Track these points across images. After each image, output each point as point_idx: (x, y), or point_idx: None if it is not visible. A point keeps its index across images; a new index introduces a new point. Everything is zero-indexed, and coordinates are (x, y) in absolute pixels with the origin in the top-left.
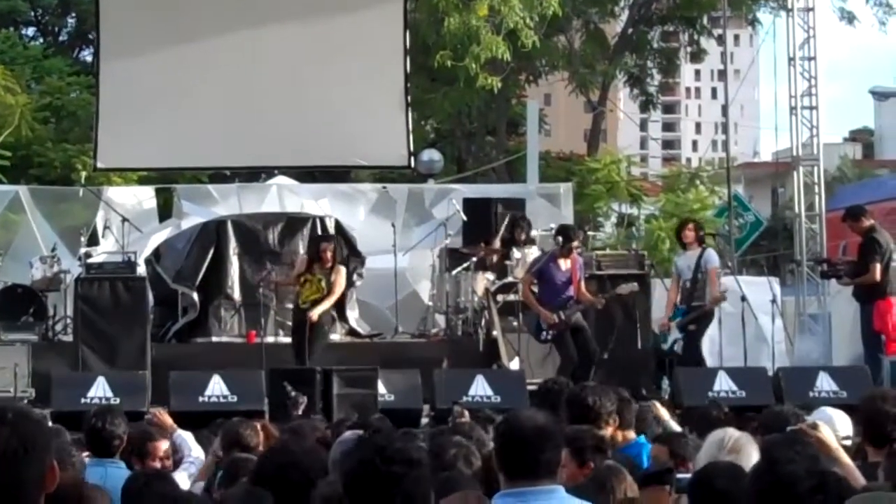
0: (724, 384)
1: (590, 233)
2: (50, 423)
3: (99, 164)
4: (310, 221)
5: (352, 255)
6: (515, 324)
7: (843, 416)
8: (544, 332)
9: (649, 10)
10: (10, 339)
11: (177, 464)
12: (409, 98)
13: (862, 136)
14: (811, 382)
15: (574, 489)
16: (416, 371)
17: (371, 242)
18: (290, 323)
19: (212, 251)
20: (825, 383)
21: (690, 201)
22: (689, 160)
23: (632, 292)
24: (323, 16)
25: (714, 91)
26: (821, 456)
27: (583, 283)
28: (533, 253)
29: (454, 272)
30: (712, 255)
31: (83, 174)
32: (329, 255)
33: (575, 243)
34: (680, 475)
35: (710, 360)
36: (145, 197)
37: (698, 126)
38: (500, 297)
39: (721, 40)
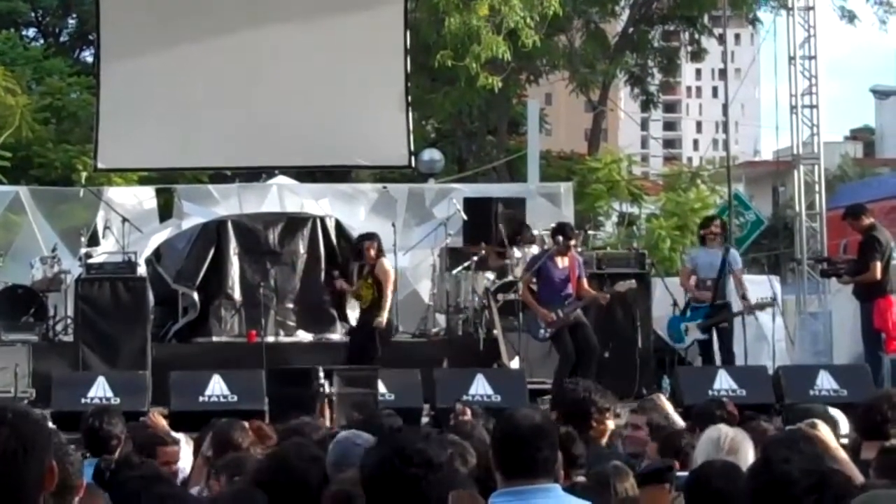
0: (724, 383)
1: (590, 232)
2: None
3: (99, 165)
4: (310, 221)
5: (352, 255)
6: (516, 323)
7: (840, 415)
8: (542, 331)
9: (650, 9)
10: (10, 339)
11: None
12: (409, 98)
13: (863, 135)
14: (811, 381)
15: (571, 488)
16: (416, 370)
17: None
18: (290, 323)
19: (212, 251)
20: (825, 382)
21: (691, 200)
22: (689, 159)
23: (629, 289)
24: (323, 16)
25: (715, 90)
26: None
27: (584, 281)
28: (533, 252)
29: (454, 272)
30: (737, 256)
31: (84, 174)
32: (372, 252)
33: (572, 241)
34: (680, 473)
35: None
36: (146, 197)
37: (699, 125)
38: (500, 297)
39: (722, 39)
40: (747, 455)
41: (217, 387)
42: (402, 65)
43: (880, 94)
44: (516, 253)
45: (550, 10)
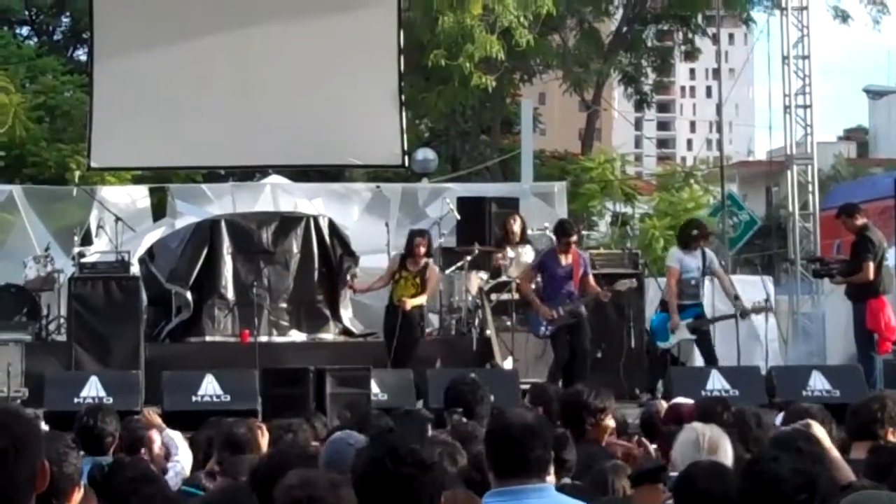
0: (716, 383)
1: (584, 232)
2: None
3: (93, 164)
4: (303, 221)
5: (345, 255)
6: (509, 323)
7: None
8: (542, 328)
9: (643, 8)
10: (3, 338)
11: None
12: (402, 97)
13: (856, 135)
14: (804, 381)
15: (563, 488)
16: (409, 370)
17: (365, 242)
18: (283, 322)
19: (205, 250)
20: (818, 382)
21: (685, 200)
22: (683, 159)
23: (630, 289)
24: (317, 15)
25: (708, 90)
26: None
27: (590, 278)
28: (527, 252)
29: (448, 271)
30: (713, 255)
31: (77, 173)
32: (423, 249)
33: (572, 238)
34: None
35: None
36: (139, 196)
37: (693, 125)
38: (493, 297)
39: (715, 39)
40: (727, 452)
41: (210, 386)
42: (395, 64)
43: (874, 94)
44: (510, 252)
45: (544, 10)
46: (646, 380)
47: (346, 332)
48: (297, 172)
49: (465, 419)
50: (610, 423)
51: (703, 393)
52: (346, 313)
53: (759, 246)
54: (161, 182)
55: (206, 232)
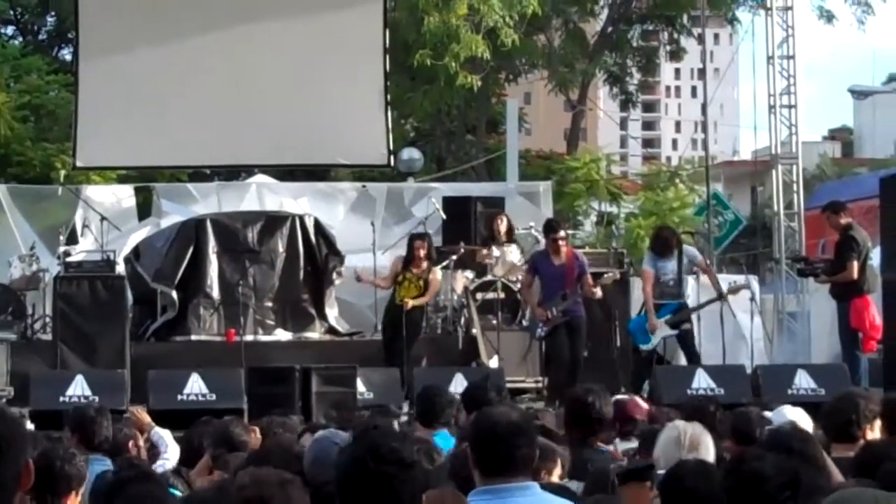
0: (702, 382)
1: (570, 231)
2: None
3: (78, 163)
4: (289, 220)
5: (331, 254)
6: (494, 322)
7: (803, 414)
8: (539, 329)
9: (629, 8)
10: None
11: (152, 460)
12: (388, 97)
13: (841, 135)
14: (789, 380)
15: (549, 486)
16: (395, 369)
17: (350, 241)
18: (269, 321)
19: (191, 250)
20: (803, 381)
21: (670, 200)
22: (668, 159)
23: (614, 280)
24: (302, 15)
25: (694, 90)
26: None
27: (588, 278)
28: (512, 251)
29: None
30: (694, 251)
31: (62, 173)
32: (423, 252)
33: (558, 235)
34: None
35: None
36: (124, 195)
37: (678, 125)
38: (479, 296)
39: (700, 39)
40: (708, 449)
41: (196, 385)
42: (381, 64)
43: (858, 94)
44: (495, 251)
45: (529, 10)
46: (631, 379)
47: (331, 330)
48: (283, 172)
49: None
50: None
51: (688, 392)
52: (332, 312)
53: (744, 245)
54: (146, 181)
55: (192, 231)
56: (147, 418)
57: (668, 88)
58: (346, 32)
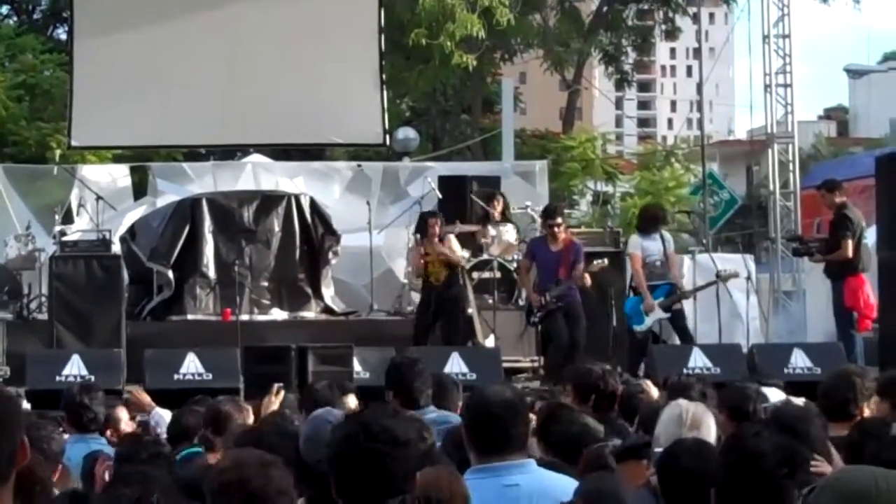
0: (698, 361)
1: (565, 211)
2: (25, 403)
3: (73, 143)
4: (285, 199)
5: (327, 233)
6: (490, 301)
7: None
8: (533, 315)
9: None
10: None
11: None
12: (383, 76)
13: (837, 114)
14: (785, 359)
15: (546, 462)
16: (391, 349)
17: (346, 220)
18: (265, 301)
19: (187, 229)
20: (799, 360)
21: (665, 179)
22: (664, 138)
23: (602, 269)
24: None
25: (689, 69)
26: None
27: (580, 266)
28: (508, 230)
29: None
30: (670, 237)
31: (58, 152)
32: (437, 230)
33: (558, 220)
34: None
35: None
36: (120, 175)
37: (673, 104)
38: (475, 275)
39: (696, 18)
40: (710, 429)
41: (192, 365)
42: (376, 43)
43: (854, 73)
44: (491, 231)
45: None
46: (627, 360)
47: (327, 310)
48: (278, 151)
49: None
50: None
51: (684, 371)
52: (328, 292)
53: (739, 225)
54: (142, 161)
55: (188, 210)
56: (147, 399)
57: (663, 68)
58: (342, 12)
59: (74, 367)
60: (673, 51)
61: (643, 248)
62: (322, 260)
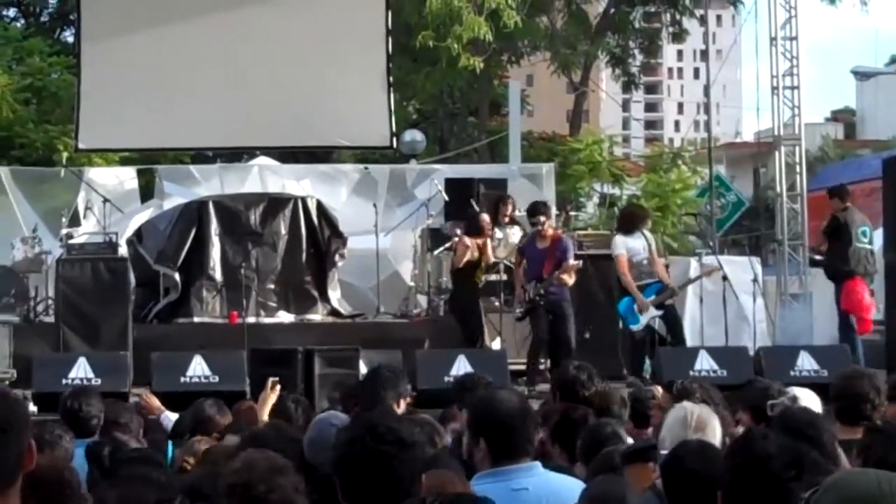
0: (705, 363)
1: (572, 213)
2: (32, 406)
3: (80, 145)
4: (291, 202)
5: (333, 236)
6: (497, 304)
7: (812, 395)
8: (517, 310)
9: None
10: None
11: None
12: (390, 79)
13: (844, 116)
14: (792, 361)
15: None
16: (397, 351)
17: (353, 223)
18: (272, 303)
19: (193, 232)
20: (806, 362)
21: (672, 181)
22: (671, 140)
23: (576, 269)
24: None
25: (696, 71)
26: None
27: (567, 264)
28: (515, 233)
29: (436, 252)
30: (652, 236)
31: (65, 155)
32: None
33: (542, 219)
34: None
35: (691, 339)
36: (127, 178)
37: (680, 106)
38: (482, 277)
39: (703, 20)
40: (715, 431)
41: (198, 367)
42: (383, 45)
43: (861, 75)
44: (498, 233)
45: None
46: (634, 360)
47: (334, 312)
48: (285, 154)
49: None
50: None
51: (690, 373)
52: (335, 294)
53: (746, 227)
54: (149, 163)
55: (194, 213)
56: (156, 402)
57: (670, 70)
58: (349, 14)
59: (81, 370)
60: (680, 53)
61: (628, 248)
62: (329, 262)
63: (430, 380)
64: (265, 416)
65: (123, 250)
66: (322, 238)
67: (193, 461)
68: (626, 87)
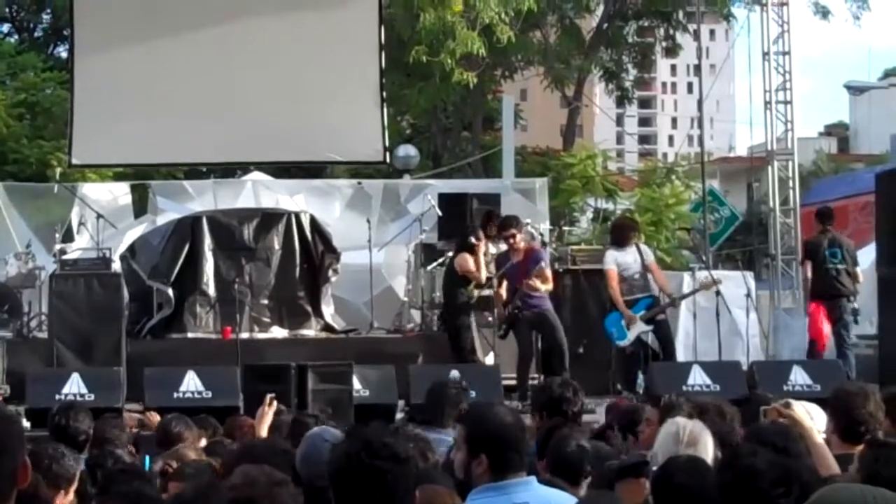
0: (698, 378)
1: (565, 228)
2: (25, 422)
3: (74, 161)
4: (285, 217)
5: (327, 251)
6: (490, 319)
7: (818, 410)
8: (500, 329)
9: (624, 4)
10: None
11: None
12: (384, 94)
13: (837, 131)
14: (785, 376)
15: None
16: (390, 366)
17: (346, 238)
18: (265, 319)
19: (187, 247)
20: (799, 377)
21: (666, 196)
22: (664, 155)
23: (540, 273)
24: (298, 11)
25: (690, 86)
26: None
27: (538, 271)
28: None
29: (429, 267)
30: (647, 248)
31: (58, 170)
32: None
33: (513, 231)
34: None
35: (684, 354)
36: (120, 193)
37: (674, 121)
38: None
39: (696, 35)
40: (707, 446)
41: (192, 383)
42: (376, 60)
43: (854, 90)
44: (491, 249)
45: (525, 6)
46: (627, 374)
47: (327, 328)
48: (279, 169)
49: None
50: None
51: (683, 388)
52: (328, 310)
53: (740, 241)
54: (142, 179)
55: (188, 228)
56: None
57: (663, 84)
58: (342, 29)
59: (74, 386)
60: (673, 67)
61: (618, 263)
62: (322, 278)
63: (423, 395)
64: (264, 432)
65: (117, 266)
66: (315, 253)
67: (176, 465)
68: (620, 102)
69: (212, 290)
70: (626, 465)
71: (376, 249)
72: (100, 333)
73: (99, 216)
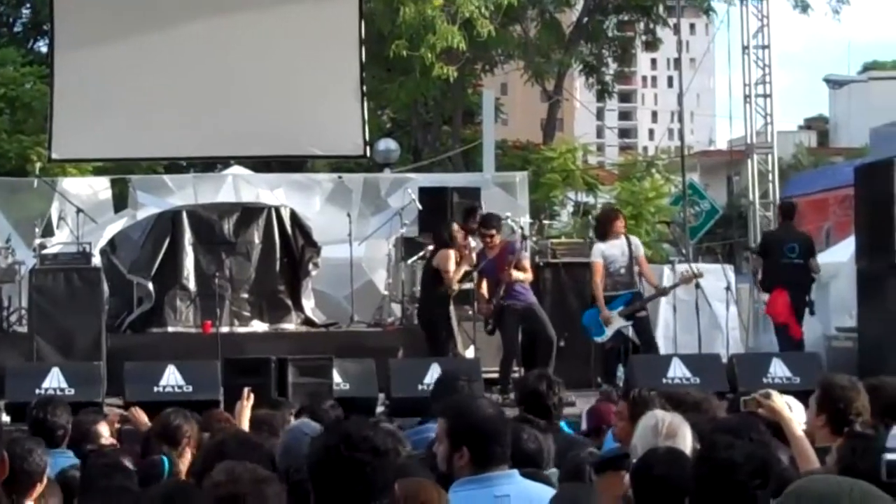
0: (678, 371)
1: (546, 221)
2: (4, 416)
3: (54, 155)
4: (265, 211)
5: (307, 245)
6: (471, 312)
7: (796, 403)
8: (487, 326)
9: None
10: None
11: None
12: (364, 88)
13: (817, 124)
14: (765, 369)
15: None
16: (371, 360)
17: (327, 232)
18: (245, 313)
19: (167, 241)
20: (778, 369)
21: (646, 190)
22: (645, 149)
23: (511, 264)
24: (278, 6)
25: (670, 80)
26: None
27: (523, 262)
28: None
29: (410, 261)
30: (638, 242)
31: (38, 165)
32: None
33: (492, 232)
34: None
35: (664, 347)
36: (100, 188)
37: (654, 115)
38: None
39: (676, 29)
40: (685, 438)
41: (172, 377)
42: (356, 55)
43: (834, 83)
44: (472, 242)
45: (505, 0)
46: (608, 367)
47: (307, 322)
48: (259, 163)
49: None
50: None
51: (664, 381)
52: (308, 303)
53: (720, 234)
54: (122, 173)
55: (168, 223)
56: (144, 418)
57: (644, 78)
58: (322, 23)
59: (54, 380)
60: (654, 61)
61: (605, 256)
62: (302, 272)
63: (404, 388)
64: (244, 426)
65: (97, 260)
66: (296, 247)
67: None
68: (600, 96)
69: (192, 285)
70: (605, 458)
71: (357, 243)
72: (80, 328)
73: (79, 211)
